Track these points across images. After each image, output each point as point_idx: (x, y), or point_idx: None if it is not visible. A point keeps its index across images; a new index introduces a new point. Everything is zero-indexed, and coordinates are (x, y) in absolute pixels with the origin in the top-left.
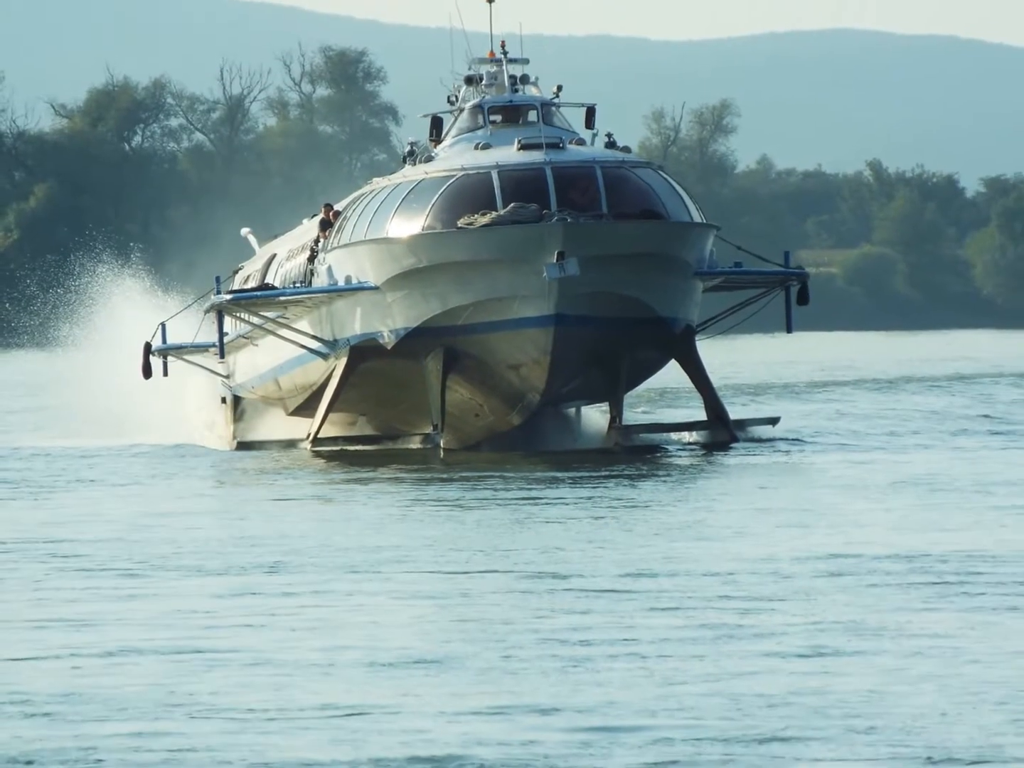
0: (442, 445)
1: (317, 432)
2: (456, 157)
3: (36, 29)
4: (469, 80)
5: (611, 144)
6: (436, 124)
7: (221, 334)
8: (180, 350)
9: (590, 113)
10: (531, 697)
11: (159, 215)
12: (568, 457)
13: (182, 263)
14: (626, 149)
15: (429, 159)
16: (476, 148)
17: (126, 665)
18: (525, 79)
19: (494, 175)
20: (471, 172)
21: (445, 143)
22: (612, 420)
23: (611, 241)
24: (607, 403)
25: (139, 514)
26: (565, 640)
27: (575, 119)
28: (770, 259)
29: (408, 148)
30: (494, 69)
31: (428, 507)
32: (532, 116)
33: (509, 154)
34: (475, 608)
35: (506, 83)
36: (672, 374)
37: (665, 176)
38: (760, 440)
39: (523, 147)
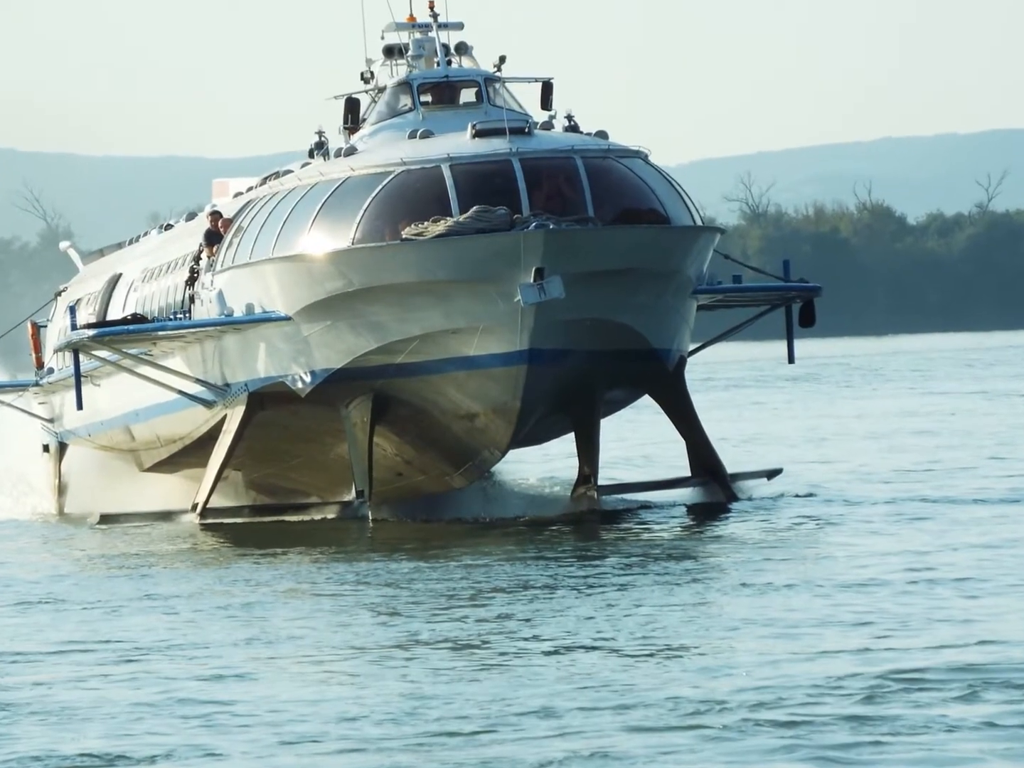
0: (371, 516)
1: (207, 501)
2: (387, 148)
3: None
4: (389, 51)
5: (573, 128)
6: (352, 107)
7: (79, 376)
8: None
9: (547, 90)
10: None
11: None
12: (531, 530)
13: None
14: (601, 134)
15: (351, 152)
16: (414, 137)
17: None
18: (461, 48)
19: (445, 170)
20: (414, 167)
21: (364, 131)
22: (585, 479)
23: (605, 253)
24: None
25: None
26: None
27: (527, 98)
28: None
29: (316, 139)
30: (419, 36)
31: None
32: (469, 95)
33: (461, 143)
34: None
35: (438, 54)
36: None
37: (657, 168)
38: (762, 498)
39: (479, 134)
